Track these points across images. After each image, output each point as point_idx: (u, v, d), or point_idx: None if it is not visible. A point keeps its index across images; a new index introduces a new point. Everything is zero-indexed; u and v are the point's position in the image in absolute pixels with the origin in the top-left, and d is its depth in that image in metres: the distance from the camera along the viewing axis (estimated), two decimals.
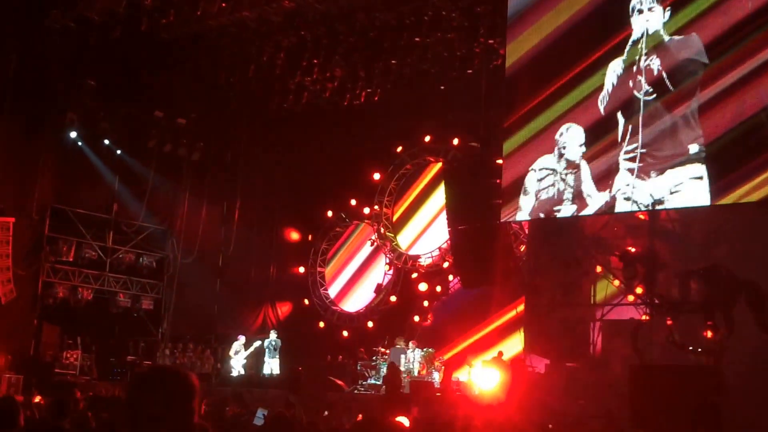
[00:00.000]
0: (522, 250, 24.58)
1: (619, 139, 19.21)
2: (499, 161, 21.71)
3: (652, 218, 20.14)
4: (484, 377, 21.75)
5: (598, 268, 20.92)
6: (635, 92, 19.05)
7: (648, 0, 19.39)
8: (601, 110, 19.62)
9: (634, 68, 19.19)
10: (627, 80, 19.33)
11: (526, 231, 24.15)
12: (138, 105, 28.76)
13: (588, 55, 19.99)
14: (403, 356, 25.35)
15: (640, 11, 19.35)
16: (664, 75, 18.74)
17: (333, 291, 32.42)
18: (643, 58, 19.11)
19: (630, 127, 19.03)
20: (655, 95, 18.80)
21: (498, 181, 21.34)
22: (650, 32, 19.14)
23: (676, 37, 18.75)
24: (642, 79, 19.02)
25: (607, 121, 19.53)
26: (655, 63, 18.95)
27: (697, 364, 17.39)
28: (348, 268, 32.43)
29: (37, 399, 16.86)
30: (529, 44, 21.12)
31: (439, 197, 28.41)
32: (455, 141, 28.41)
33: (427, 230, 29.83)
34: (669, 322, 18.54)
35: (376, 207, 31.16)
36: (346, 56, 25.75)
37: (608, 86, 19.59)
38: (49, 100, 27.03)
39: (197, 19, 23.66)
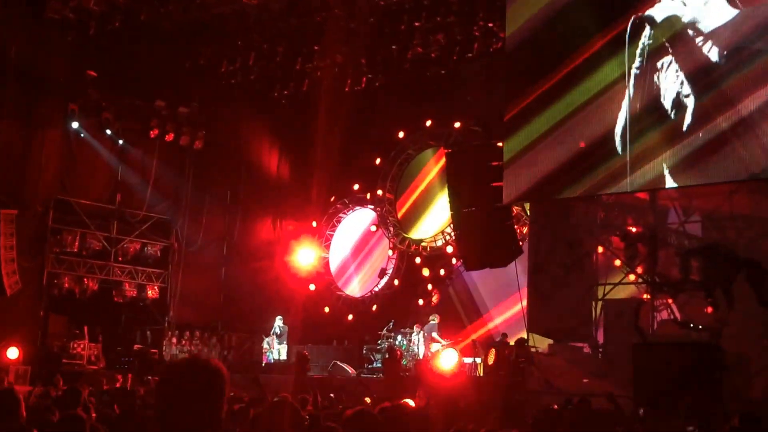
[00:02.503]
0: (524, 231, 24.68)
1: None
2: (500, 144, 21.74)
3: (652, 198, 20.20)
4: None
5: (600, 248, 21.02)
6: (665, 90, 17.80)
7: None
8: (622, 115, 18.62)
9: (662, 56, 17.86)
10: (652, 72, 18.03)
11: (528, 213, 24.24)
12: (139, 94, 28.82)
13: (601, 33, 18.99)
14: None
15: None
16: (716, 59, 17.08)
17: (337, 276, 32.52)
18: (679, 38, 17.70)
19: (661, 138, 18.02)
20: (695, 93, 17.32)
21: (500, 163, 21.38)
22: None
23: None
24: (675, 71, 17.57)
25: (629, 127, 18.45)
26: (698, 44, 17.30)
27: (698, 341, 17.49)
28: (352, 253, 32.52)
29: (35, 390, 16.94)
30: (532, 10, 20.69)
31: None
32: (456, 125, 28.44)
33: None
34: (669, 301, 18.69)
35: (378, 192, 31.23)
36: (347, 42, 25.82)
37: (630, 81, 18.42)
38: (51, 92, 27.11)
39: (197, 7, 23.74)
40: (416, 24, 24.69)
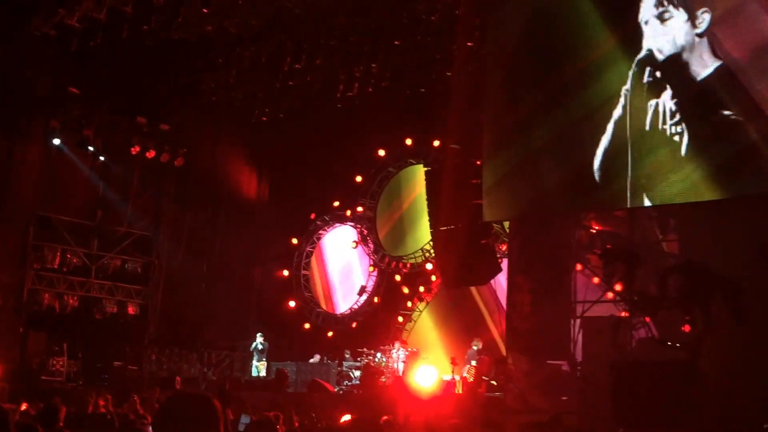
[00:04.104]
0: (503, 249, 24.79)
1: None
2: (479, 162, 21.83)
3: (631, 216, 20.32)
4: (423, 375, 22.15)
5: (579, 266, 21.14)
6: (660, 123, 17.50)
7: None
8: (608, 141, 18.50)
9: (659, 90, 17.53)
10: (647, 106, 17.73)
11: (507, 230, 24.34)
12: (121, 111, 28.83)
13: (590, 49, 18.88)
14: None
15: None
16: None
17: (317, 292, 32.57)
18: (675, 75, 17.26)
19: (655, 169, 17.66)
20: (689, 127, 17.06)
21: (479, 181, 21.46)
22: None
23: None
24: (671, 106, 17.29)
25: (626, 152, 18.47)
26: (693, 83, 16.97)
27: (675, 359, 17.61)
28: (331, 270, 32.59)
29: (24, 407, 16.93)
30: (513, 27, 20.75)
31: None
32: (436, 143, 28.59)
33: None
34: (647, 319, 18.82)
35: (359, 209, 31.35)
36: (327, 60, 25.90)
37: (619, 113, 18.16)
38: (32, 108, 27.10)
39: (178, 25, 23.76)
40: (396, 42, 24.84)
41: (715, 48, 16.66)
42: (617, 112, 18.18)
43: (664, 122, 17.29)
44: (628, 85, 18.03)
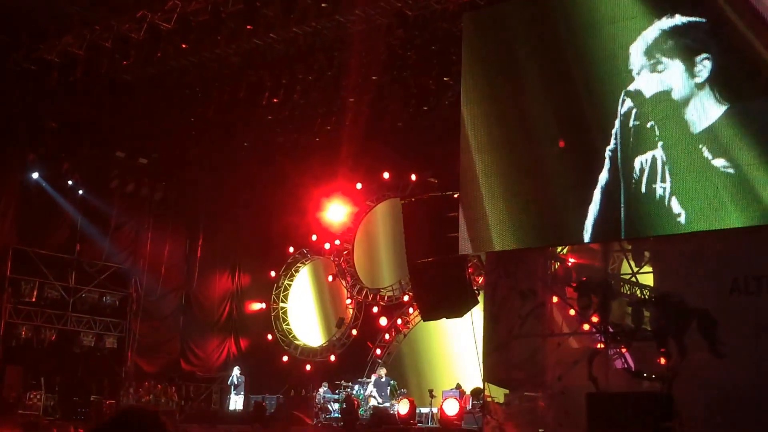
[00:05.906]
0: (480, 281, 24.93)
1: None
2: (456, 195, 22.01)
3: (605, 249, 20.54)
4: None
5: (555, 299, 21.30)
6: (650, 173, 17.63)
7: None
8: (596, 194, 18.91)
9: (649, 137, 17.50)
10: (635, 153, 18.07)
11: (484, 263, 24.48)
12: (99, 145, 28.92)
13: (574, 86, 18.91)
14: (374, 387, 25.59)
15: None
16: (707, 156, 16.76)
17: (295, 325, 32.60)
18: (667, 121, 17.28)
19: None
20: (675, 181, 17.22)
21: (456, 214, 21.63)
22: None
23: None
24: (661, 156, 17.52)
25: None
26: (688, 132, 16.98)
27: (650, 391, 17.77)
28: (309, 303, 32.66)
29: None
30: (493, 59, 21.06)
31: None
32: (413, 177, 28.76)
33: None
34: (623, 350, 18.99)
35: (336, 242, 31.47)
36: (305, 95, 26.05)
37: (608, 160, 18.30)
38: (10, 141, 27.15)
39: (158, 60, 23.89)
40: (373, 78, 25.05)
41: (720, 93, 16.56)
42: (593, 171, 18.35)
43: (653, 177, 17.35)
44: (616, 129, 18.13)
